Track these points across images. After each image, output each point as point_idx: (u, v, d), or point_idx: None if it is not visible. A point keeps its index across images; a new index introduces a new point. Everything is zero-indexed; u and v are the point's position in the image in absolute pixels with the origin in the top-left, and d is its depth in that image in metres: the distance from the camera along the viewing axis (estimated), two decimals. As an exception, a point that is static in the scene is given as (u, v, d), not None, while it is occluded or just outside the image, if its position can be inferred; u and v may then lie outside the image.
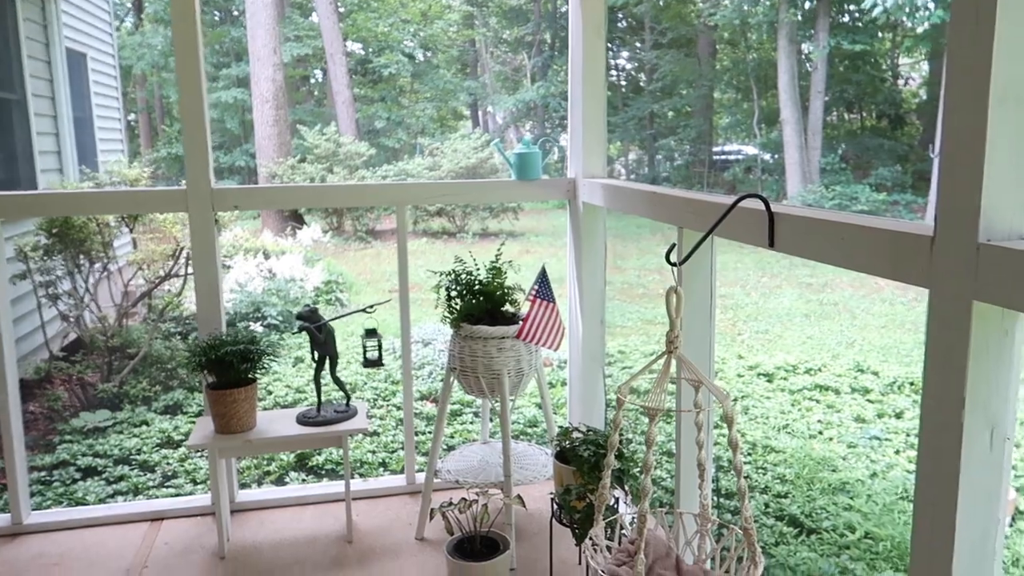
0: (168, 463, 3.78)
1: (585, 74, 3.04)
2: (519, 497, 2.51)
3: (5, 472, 2.90)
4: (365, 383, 4.80)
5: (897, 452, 3.91)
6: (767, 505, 3.36)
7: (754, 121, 15.76)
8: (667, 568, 1.89)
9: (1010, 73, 1.17)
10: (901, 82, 19.08)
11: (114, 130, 9.39)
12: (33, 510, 3.03)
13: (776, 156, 17.35)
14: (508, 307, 2.85)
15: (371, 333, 2.91)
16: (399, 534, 2.88)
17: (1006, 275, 1.16)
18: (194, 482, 3.61)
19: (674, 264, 1.74)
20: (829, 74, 14.39)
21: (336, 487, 3.19)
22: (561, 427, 2.59)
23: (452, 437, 4.03)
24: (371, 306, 2.91)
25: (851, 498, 3.31)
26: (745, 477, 1.72)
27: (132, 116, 22.01)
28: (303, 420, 2.82)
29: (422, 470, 3.39)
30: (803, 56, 15.23)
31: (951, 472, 1.29)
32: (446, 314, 2.85)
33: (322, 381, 2.87)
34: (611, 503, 2.30)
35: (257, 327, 6.11)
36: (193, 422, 4.37)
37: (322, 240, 9.98)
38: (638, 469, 2.74)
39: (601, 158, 3.13)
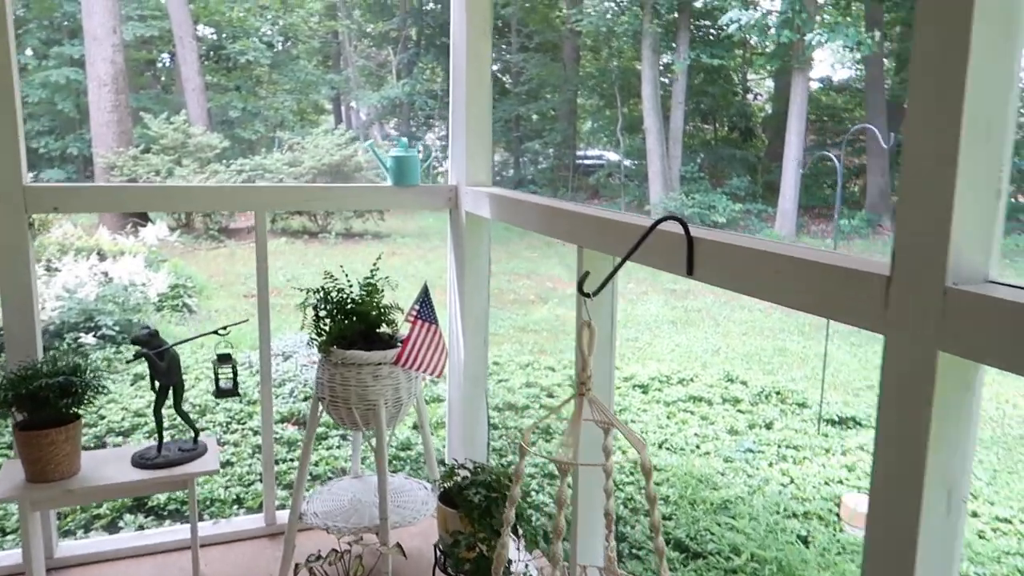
0: (-31, 509, 3.18)
1: (469, 75, 2.80)
2: (399, 546, 2.22)
3: None
4: (216, 404, 4.32)
5: (771, 465, 3.95)
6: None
7: (618, 128, 16.13)
8: (573, 634, 1.68)
9: (987, 95, 1.04)
10: (751, 96, 20.21)
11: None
12: None
13: (637, 163, 17.87)
14: (385, 328, 2.56)
15: (224, 359, 2.53)
16: (257, 587, 2.52)
17: (977, 323, 1.03)
18: (2, 532, 3.05)
19: (587, 295, 1.53)
20: (688, 86, 14.96)
21: (182, 532, 2.78)
22: (444, 464, 2.33)
23: (316, 465, 3.67)
24: (224, 328, 2.53)
25: (733, 518, 3.27)
26: (663, 533, 1.54)
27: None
28: (140, 462, 2.40)
29: (284, 507, 3.03)
30: (664, 67, 15.76)
31: (908, 538, 1.16)
32: (313, 336, 2.52)
33: (164, 415, 2.46)
34: (503, 551, 2.07)
35: (89, 339, 5.42)
36: (6, 455, 3.76)
37: (169, 239, 9.15)
38: (533, 513, 2.54)
39: (486, 165, 2.90)
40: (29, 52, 18.26)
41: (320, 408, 2.52)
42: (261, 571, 2.62)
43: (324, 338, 2.45)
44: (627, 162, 18.24)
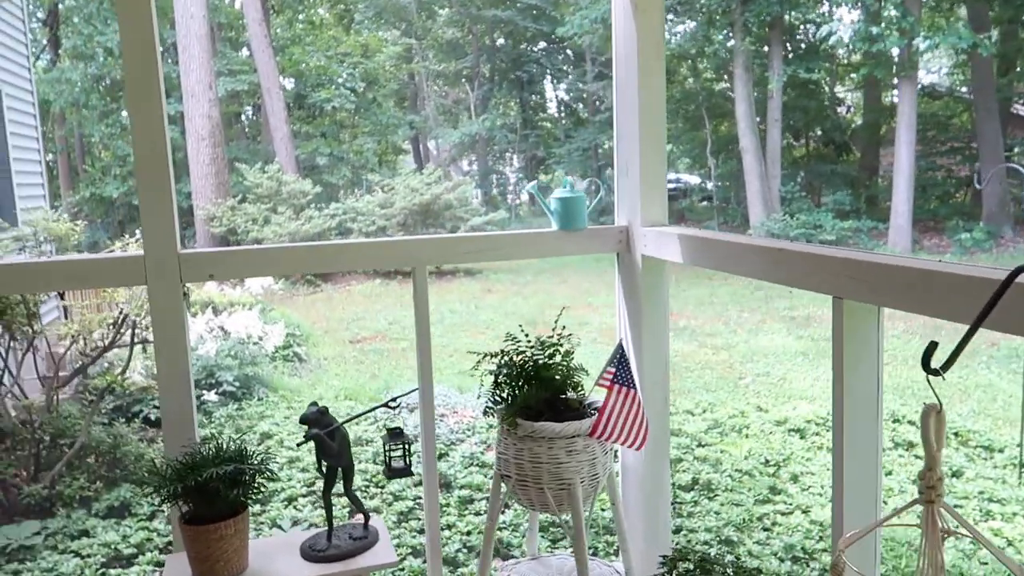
0: (119, 593, 3.02)
1: (642, 102, 2.51)
2: (617, 655, 1.89)
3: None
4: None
5: (976, 523, 3.44)
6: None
7: (707, 150, 15.64)
8: None
9: None
10: (842, 109, 19.42)
11: (34, 173, 8.47)
12: None
13: (722, 184, 17.29)
14: (570, 394, 2.26)
15: (396, 434, 2.27)
16: None
17: None
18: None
19: (937, 372, 1.18)
20: (782, 102, 14.39)
21: (344, 623, 2.51)
22: (664, 558, 1.99)
23: (469, 535, 3.37)
24: (394, 399, 2.27)
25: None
26: None
27: (50, 157, 20.71)
28: (311, 554, 2.15)
29: (450, 592, 2.75)
30: (757, 84, 15.24)
31: None
32: (490, 405, 2.24)
33: (333, 499, 2.21)
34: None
35: (211, 396, 5.33)
36: (146, 527, 3.61)
37: (273, 288, 9.17)
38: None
39: (662, 203, 2.59)
40: (125, 114, 19.16)
41: (503, 487, 2.23)
42: (439, 671, 2.32)
43: (507, 407, 2.17)
44: (709, 184, 17.67)
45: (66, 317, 4.29)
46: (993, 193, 13.18)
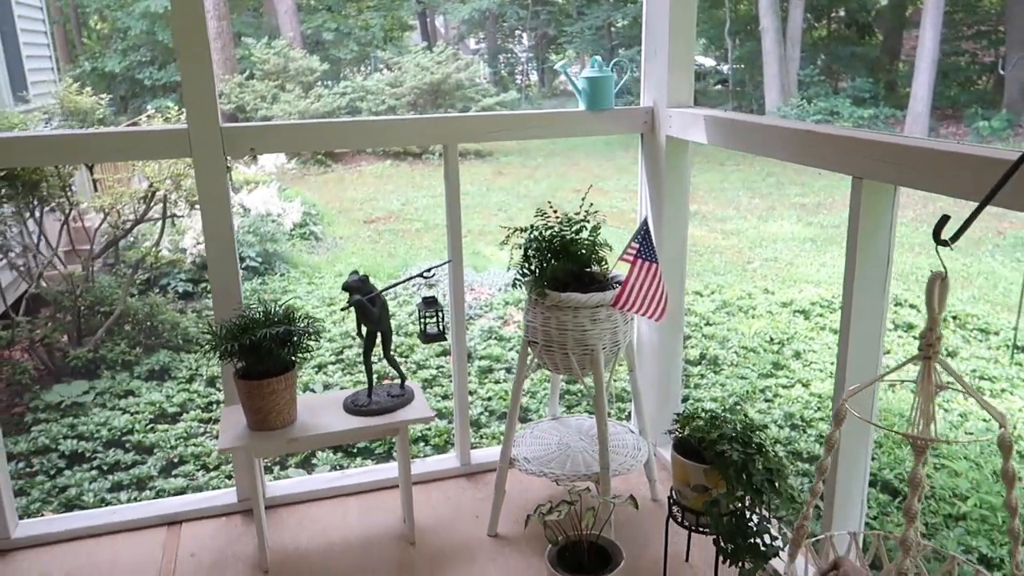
0: (170, 446, 3.28)
1: (674, -21, 2.50)
2: (632, 498, 2.12)
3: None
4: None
5: (966, 398, 3.66)
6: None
7: (725, 30, 15.12)
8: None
9: None
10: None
11: (41, 45, 8.32)
12: (21, 518, 2.52)
13: (739, 67, 16.82)
14: (595, 268, 2.39)
15: (430, 303, 2.43)
16: (467, 530, 2.48)
17: None
18: (205, 468, 3.13)
19: (946, 243, 1.30)
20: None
21: (382, 472, 2.78)
22: (678, 415, 2.19)
23: (490, 400, 3.61)
24: (429, 270, 2.42)
25: (947, 459, 3.05)
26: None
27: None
28: (353, 408, 2.37)
29: (477, 446, 2.99)
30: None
31: None
32: (519, 277, 2.38)
33: (373, 361, 2.40)
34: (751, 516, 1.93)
35: (235, 271, 5.51)
36: (186, 389, 3.86)
37: (288, 167, 9.20)
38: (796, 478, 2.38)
39: (688, 83, 2.63)
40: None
41: (531, 353, 2.40)
42: (466, 511, 2.58)
43: (538, 279, 2.31)
44: (725, 67, 17.15)
45: (95, 190, 4.38)
46: (1016, 79, 12.85)
